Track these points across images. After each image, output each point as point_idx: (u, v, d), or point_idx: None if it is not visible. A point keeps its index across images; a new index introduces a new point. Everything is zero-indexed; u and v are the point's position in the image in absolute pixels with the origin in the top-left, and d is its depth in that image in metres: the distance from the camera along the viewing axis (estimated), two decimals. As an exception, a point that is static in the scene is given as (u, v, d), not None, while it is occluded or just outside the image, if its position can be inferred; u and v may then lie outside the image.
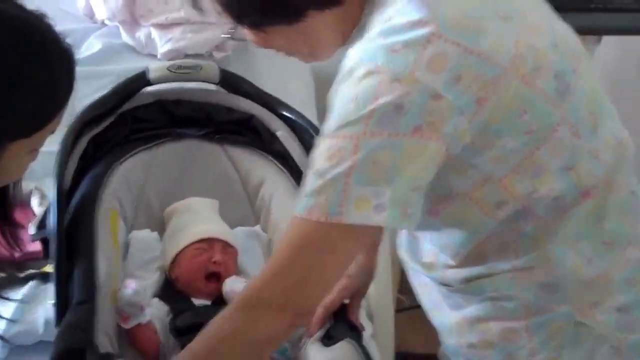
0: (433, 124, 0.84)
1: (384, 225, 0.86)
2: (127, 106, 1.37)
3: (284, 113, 1.38)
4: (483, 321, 0.99)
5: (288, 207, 1.33)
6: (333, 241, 0.87)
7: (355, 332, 1.13)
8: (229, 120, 1.41)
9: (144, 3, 1.73)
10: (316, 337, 1.13)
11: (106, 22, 1.75)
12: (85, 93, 1.48)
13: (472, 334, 1.00)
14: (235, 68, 1.83)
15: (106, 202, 1.27)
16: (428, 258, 1.02)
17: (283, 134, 1.39)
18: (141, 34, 1.72)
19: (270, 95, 1.40)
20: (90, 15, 1.76)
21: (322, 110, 2.08)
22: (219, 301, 1.20)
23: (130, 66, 1.66)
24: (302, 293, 0.89)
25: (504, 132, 0.87)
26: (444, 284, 1.01)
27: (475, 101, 0.85)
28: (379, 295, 1.44)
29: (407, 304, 2.36)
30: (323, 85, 2.07)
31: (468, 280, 0.98)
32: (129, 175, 1.34)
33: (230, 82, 1.40)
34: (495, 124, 0.86)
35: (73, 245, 1.16)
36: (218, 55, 1.74)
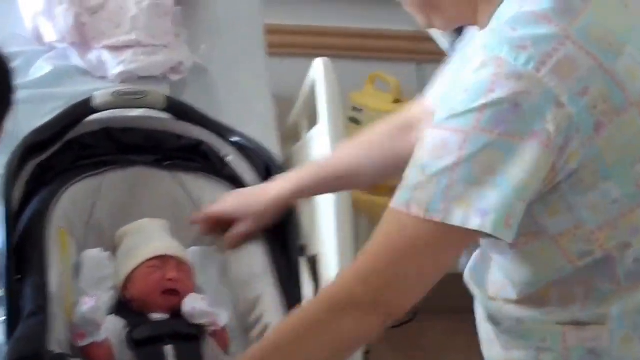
0: (549, 133, 0.81)
1: (485, 230, 0.83)
2: (73, 133, 1.43)
3: (232, 138, 1.45)
4: None
5: None
6: (431, 239, 0.85)
7: None
8: (178, 146, 1.48)
9: (94, 25, 1.74)
10: None
11: (55, 44, 1.68)
12: (36, 116, 1.51)
13: None
14: (192, 90, 1.81)
15: (55, 222, 1.33)
16: (492, 288, 1.01)
17: (233, 158, 1.45)
18: (92, 56, 1.72)
19: (217, 121, 1.48)
20: (39, 38, 1.71)
21: (284, 131, 2.06)
22: (178, 315, 1.26)
23: (81, 89, 1.69)
24: (396, 292, 0.88)
25: (612, 175, 0.85)
26: (493, 321, 1.02)
27: (594, 123, 0.82)
28: None
29: None
30: (283, 106, 2.07)
31: (520, 321, 0.98)
32: (78, 198, 1.41)
33: (177, 108, 1.47)
34: (606, 161, 0.84)
35: (23, 263, 1.22)
36: (174, 77, 1.74)
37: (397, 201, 0.85)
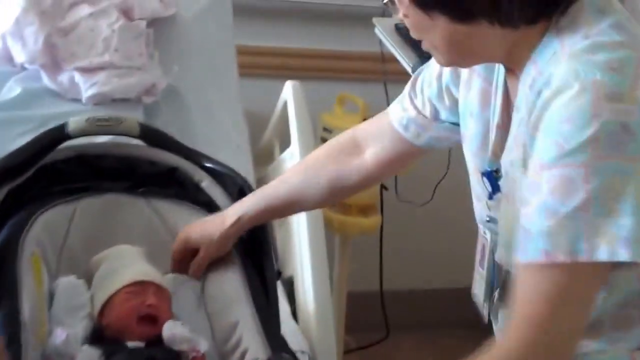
0: None
1: (634, 259, 0.81)
2: (46, 159, 1.42)
3: (206, 164, 1.45)
4: None
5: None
6: (583, 280, 0.83)
7: (293, 356, 1.20)
8: (152, 173, 1.47)
9: (66, 46, 1.71)
10: None
11: (26, 65, 1.65)
12: (6, 139, 1.52)
13: None
14: (165, 113, 1.80)
15: (28, 248, 1.31)
16: None
17: (207, 184, 1.45)
18: (64, 77, 1.70)
19: (190, 148, 1.48)
20: (8, 59, 1.68)
21: (256, 151, 2.07)
22: (154, 343, 1.25)
23: (52, 111, 1.68)
24: (568, 349, 0.86)
25: None
26: None
27: None
28: (322, 337, 1.50)
29: (354, 345, 2.35)
30: (256, 126, 2.08)
31: (584, 355, 0.94)
32: (51, 224, 1.39)
33: (150, 135, 1.47)
34: None
35: (-5, 290, 1.21)
36: (147, 100, 1.72)
37: (533, 253, 0.83)
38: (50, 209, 1.39)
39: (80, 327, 1.28)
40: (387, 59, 2.11)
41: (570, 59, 0.85)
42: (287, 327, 1.34)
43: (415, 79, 1.17)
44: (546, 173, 0.83)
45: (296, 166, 1.37)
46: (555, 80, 0.84)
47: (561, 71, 0.84)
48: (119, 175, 1.45)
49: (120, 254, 1.37)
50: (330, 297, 1.59)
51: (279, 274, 1.44)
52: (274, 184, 1.34)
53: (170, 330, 1.24)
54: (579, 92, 0.82)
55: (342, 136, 1.29)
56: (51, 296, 1.31)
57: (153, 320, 1.27)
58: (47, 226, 1.37)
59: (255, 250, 1.39)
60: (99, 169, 1.46)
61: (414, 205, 2.28)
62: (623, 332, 0.93)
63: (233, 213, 1.33)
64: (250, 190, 1.43)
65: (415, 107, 1.16)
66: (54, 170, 1.43)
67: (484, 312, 1.07)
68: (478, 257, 1.07)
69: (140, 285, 1.30)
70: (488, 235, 1.04)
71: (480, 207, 1.06)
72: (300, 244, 1.65)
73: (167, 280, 1.37)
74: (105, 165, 1.46)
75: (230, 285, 1.35)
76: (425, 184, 2.30)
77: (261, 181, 1.78)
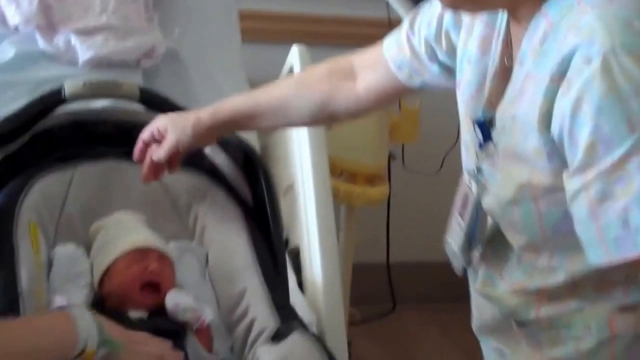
0: None
1: None
2: (42, 125, 1.37)
3: None
4: None
5: (224, 220, 1.35)
6: None
7: (304, 326, 1.16)
8: None
9: (61, 8, 1.67)
10: (265, 339, 1.14)
11: (20, 27, 1.59)
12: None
13: None
14: (164, 77, 1.74)
15: (24, 216, 1.26)
16: (523, 282, 0.97)
17: (211, 150, 1.40)
18: (60, 40, 1.66)
19: None
20: (2, 20, 1.61)
21: None
22: (157, 313, 1.20)
23: (47, 74, 1.60)
24: None
25: None
26: (519, 322, 0.99)
27: None
28: (330, 309, 1.43)
29: (359, 318, 2.31)
30: None
31: (559, 315, 0.95)
32: (47, 191, 1.34)
33: (151, 99, 1.41)
34: None
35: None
36: (146, 63, 1.70)
37: (634, 248, 0.79)
38: (47, 175, 1.34)
39: (80, 296, 1.23)
40: (394, 24, 2.04)
41: (598, 19, 0.80)
42: (294, 299, 1.29)
43: (414, 17, 1.12)
44: (634, 159, 0.78)
45: (291, 77, 1.29)
46: (588, 47, 0.80)
47: (593, 35, 0.80)
48: (118, 141, 1.40)
49: (120, 221, 1.32)
50: (338, 269, 1.54)
51: (286, 243, 1.39)
52: (264, 88, 1.26)
53: (174, 300, 1.19)
54: (627, 61, 0.78)
55: (341, 60, 1.23)
56: (49, 265, 1.26)
57: (155, 288, 1.22)
58: (44, 193, 1.32)
59: (262, 217, 1.34)
60: (97, 135, 1.41)
61: (422, 175, 2.23)
62: (605, 293, 0.93)
63: (212, 105, 1.25)
64: (255, 156, 1.38)
65: (412, 47, 1.12)
66: (50, 136, 1.38)
67: (457, 263, 1.04)
68: (458, 205, 1.04)
69: (142, 252, 1.25)
70: (474, 187, 1.00)
71: (468, 156, 1.02)
72: (307, 213, 1.57)
73: (169, 247, 1.32)
74: (102, 131, 1.41)
75: (237, 253, 1.30)
76: (434, 154, 2.24)
77: (265, 148, 1.73)
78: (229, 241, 1.32)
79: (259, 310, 1.20)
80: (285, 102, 1.22)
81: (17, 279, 1.13)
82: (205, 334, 1.20)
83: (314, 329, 1.42)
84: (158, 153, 1.23)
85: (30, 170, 1.33)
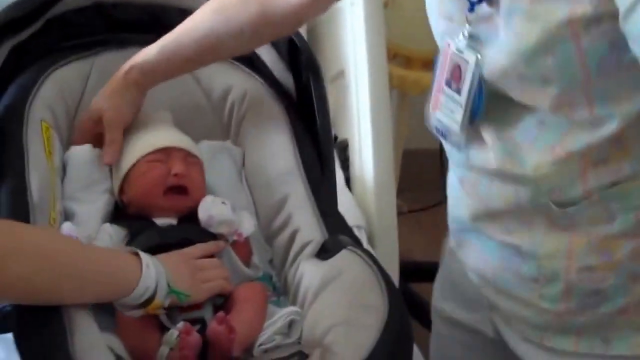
0: None
1: None
2: (56, 10, 1.21)
3: None
4: (615, 239, 0.87)
5: (264, 116, 1.20)
6: None
7: (354, 240, 1.03)
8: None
9: None
10: (309, 253, 1.02)
11: None
12: None
13: (593, 255, 0.88)
14: None
15: (36, 113, 1.11)
16: (560, 144, 0.85)
17: None
18: None
19: None
20: None
21: None
22: (188, 219, 1.06)
23: None
24: None
25: None
26: (560, 202, 0.87)
27: None
28: (381, 209, 1.35)
29: (405, 208, 2.22)
30: None
31: (614, 183, 0.84)
32: (64, 84, 1.19)
33: None
34: None
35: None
36: None
37: None
38: (63, 66, 1.19)
39: (101, 203, 1.10)
40: None
41: None
42: (341, 198, 1.17)
43: None
44: None
45: (211, 4, 1.12)
46: None
47: None
48: (144, 27, 1.24)
49: (144, 119, 1.16)
50: (392, 165, 1.40)
51: (335, 139, 1.23)
52: (182, 27, 1.11)
53: (207, 211, 1.05)
54: None
55: None
56: (64, 169, 1.13)
57: (182, 192, 1.08)
58: (59, 86, 1.17)
59: (307, 110, 1.17)
60: (120, 21, 1.25)
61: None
62: None
63: (134, 67, 1.12)
64: (302, 41, 1.21)
65: None
66: (66, 22, 1.22)
67: (458, 140, 0.91)
68: (444, 77, 0.91)
69: (165, 153, 1.09)
70: (469, 56, 0.86)
71: (447, 25, 0.90)
72: (359, 101, 1.44)
73: (200, 147, 1.17)
74: (126, 16, 1.25)
75: (278, 154, 1.15)
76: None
77: (312, 32, 1.58)
78: (269, 140, 1.17)
79: (303, 220, 1.06)
80: (215, 39, 1.09)
81: (27, 187, 1.00)
82: (243, 247, 1.07)
83: (362, 234, 1.29)
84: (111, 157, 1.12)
85: (43, 62, 1.18)
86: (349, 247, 0.99)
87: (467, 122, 0.89)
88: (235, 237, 1.06)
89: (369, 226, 1.34)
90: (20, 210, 0.97)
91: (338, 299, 0.93)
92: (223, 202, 1.06)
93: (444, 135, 0.94)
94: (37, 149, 1.07)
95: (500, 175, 0.89)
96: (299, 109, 1.21)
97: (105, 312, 0.92)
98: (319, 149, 1.16)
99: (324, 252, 1.00)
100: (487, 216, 0.94)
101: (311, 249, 1.01)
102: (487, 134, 0.89)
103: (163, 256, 0.94)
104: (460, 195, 0.98)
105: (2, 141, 1.05)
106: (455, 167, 0.98)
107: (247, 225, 1.07)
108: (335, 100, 1.48)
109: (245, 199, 1.15)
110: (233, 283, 1.01)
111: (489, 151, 0.89)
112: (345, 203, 1.27)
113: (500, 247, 0.94)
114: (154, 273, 0.89)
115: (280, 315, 0.93)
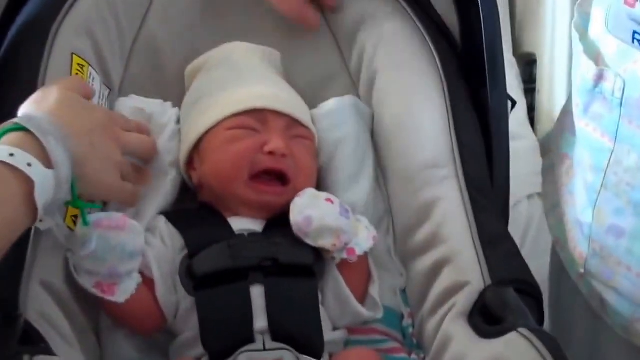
0: None
1: None
2: None
3: None
4: None
5: (410, 67, 0.86)
6: None
7: (537, 317, 0.72)
8: None
9: None
10: (461, 311, 0.72)
11: None
12: None
13: None
14: None
15: (66, 40, 0.80)
16: None
17: None
18: None
19: None
20: None
21: None
22: (280, 223, 0.77)
23: None
24: None
25: None
26: None
27: None
28: None
29: None
30: None
31: None
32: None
33: None
34: None
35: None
36: None
37: None
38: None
39: (157, 185, 0.79)
40: None
41: None
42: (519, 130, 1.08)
43: None
44: None
45: None
46: None
47: None
48: None
49: (233, 58, 0.84)
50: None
51: (513, 104, 0.86)
52: None
53: (304, 212, 0.75)
54: None
55: None
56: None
57: (279, 180, 0.78)
58: (106, 1, 0.83)
59: (475, 64, 0.80)
60: None
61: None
62: None
63: None
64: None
65: None
66: None
67: None
68: None
69: (260, 117, 0.79)
70: None
71: None
72: (555, 4, 1.25)
73: (315, 110, 0.84)
74: None
75: (424, 128, 0.82)
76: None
77: None
78: (411, 110, 0.82)
79: (456, 243, 0.75)
80: None
81: None
82: (356, 271, 0.77)
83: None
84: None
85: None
86: (520, 330, 0.67)
87: None
88: (345, 255, 0.75)
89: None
90: None
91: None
92: (328, 199, 0.76)
93: None
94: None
95: None
96: (462, 62, 0.85)
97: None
98: (486, 124, 0.81)
99: (482, 315, 0.70)
100: None
101: (465, 302, 0.71)
102: None
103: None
104: None
105: (10, 79, 0.73)
106: None
107: (365, 237, 0.76)
108: (522, 4, 1.33)
109: (372, 192, 0.81)
110: (340, 324, 0.74)
111: None
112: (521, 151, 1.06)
113: None
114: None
115: None
